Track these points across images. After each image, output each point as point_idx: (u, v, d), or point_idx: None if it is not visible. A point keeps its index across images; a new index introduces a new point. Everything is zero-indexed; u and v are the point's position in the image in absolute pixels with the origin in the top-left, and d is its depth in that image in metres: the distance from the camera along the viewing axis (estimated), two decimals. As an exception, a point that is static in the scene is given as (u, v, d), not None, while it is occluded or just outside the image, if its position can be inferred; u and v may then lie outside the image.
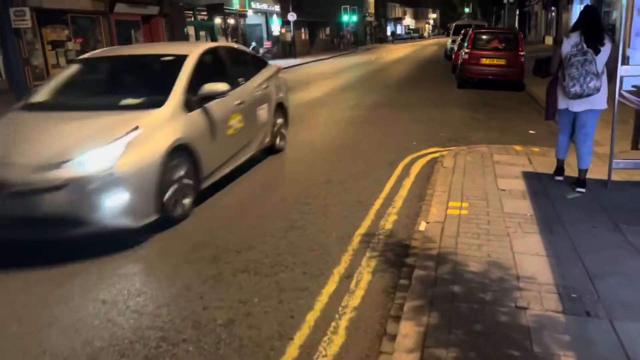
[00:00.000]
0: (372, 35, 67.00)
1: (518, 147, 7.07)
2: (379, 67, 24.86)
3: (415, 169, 6.47)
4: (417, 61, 28.13)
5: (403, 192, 5.58)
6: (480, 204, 4.81)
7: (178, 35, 23.96)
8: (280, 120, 7.42)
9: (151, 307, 3.39)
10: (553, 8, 35.15)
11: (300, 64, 29.48)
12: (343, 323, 3.14)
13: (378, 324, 3.13)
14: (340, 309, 3.30)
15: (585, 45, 4.82)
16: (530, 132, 8.61)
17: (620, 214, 4.49)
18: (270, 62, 22.31)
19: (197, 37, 26.24)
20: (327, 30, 51.46)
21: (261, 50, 35.34)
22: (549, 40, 36.28)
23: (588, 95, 4.83)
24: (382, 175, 6.21)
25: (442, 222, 4.40)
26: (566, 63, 4.89)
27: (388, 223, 4.70)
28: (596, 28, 4.94)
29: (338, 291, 3.51)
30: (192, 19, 26.08)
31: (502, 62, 13.89)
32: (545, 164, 6.14)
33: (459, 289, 3.28)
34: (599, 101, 5.00)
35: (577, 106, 5.03)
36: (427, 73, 20.61)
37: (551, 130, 8.63)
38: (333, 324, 3.14)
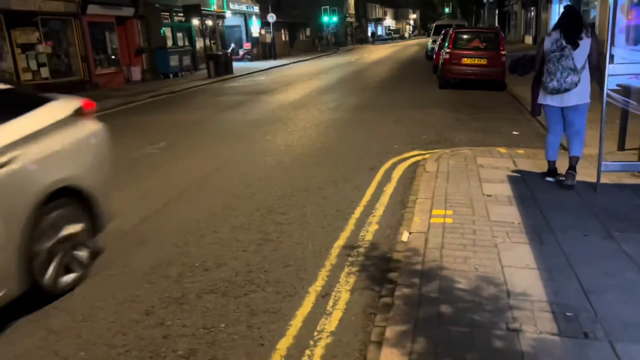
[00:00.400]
0: (352, 36, 66.86)
1: (502, 149, 6.85)
2: (360, 68, 24.64)
3: (397, 174, 6.19)
4: (398, 62, 27.98)
5: (384, 199, 5.29)
6: (465, 212, 4.55)
7: (154, 36, 23.47)
8: (64, 232, 3.56)
9: (107, 336, 3.05)
10: (532, 8, 35.36)
11: (280, 66, 29.14)
12: (318, 351, 2.84)
13: (357, 351, 2.84)
14: (315, 333, 2.99)
15: (564, 42, 4.86)
16: (514, 133, 8.42)
17: (612, 220, 4.26)
18: (249, 63, 21.78)
19: (174, 39, 25.74)
20: (308, 31, 51.18)
21: (240, 52, 34.98)
22: (528, 40, 36.48)
23: (566, 90, 4.87)
24: (363, 181, 5.93)
25: (426, 232, 4.12)
26: (545, 59, 4.97)
27: (369, 234, 4.41)
28: (575, 24, 4.94)
29: (314, 313, 3.20)
30: (169, 20, 25.58)
31: (483, 61, 13.73)
32: (530, 167, 5.92)
33: (446, 309, 3.00)
34: (582, 96, 4.98)
35: (560, 101, 5.03)
36: (409, 74, 20.43)
37: (535, 131, 8.45)
38: (307, 352, 2.84)
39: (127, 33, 22.30)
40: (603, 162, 5.01)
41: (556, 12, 28.40)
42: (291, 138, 8.55)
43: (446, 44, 14.68)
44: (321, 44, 45.92)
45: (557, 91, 4.87)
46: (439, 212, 4.55)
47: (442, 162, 6.24)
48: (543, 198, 4.85)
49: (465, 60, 13.79)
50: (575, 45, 4.80)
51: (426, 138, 8.16)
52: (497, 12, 46.67)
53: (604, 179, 5.12)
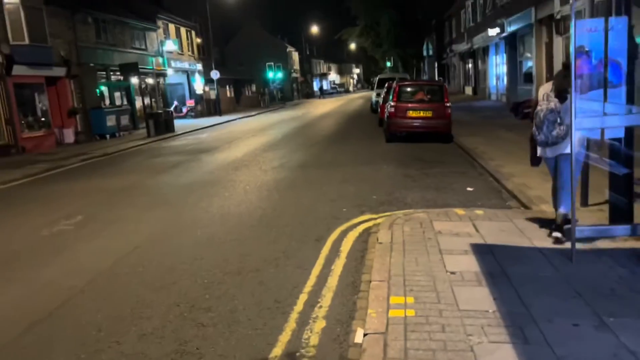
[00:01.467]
0: (299, 91, 67.69)
1: (460, 211, 6.22)
2: (306, 123, 24.27)
3: (347, 246, 5.41)
4: (344, 116, 27.90)
5: (333, 281, 4.47)
6: (428, 298, 3.77)
7: (89, 96, 22.36)
8: None
9: None
10: (470, 60, 36.65)
11: (224, 122, 28.51)
12: None
13: None
14: None
15: (552, 95, 4.71)
16: (469, 189, 7.87)
17: (600, 300, 3.59)
18: (193, 121, 21.29)
19: (112, 98, 24.70)
20: (254, 87, 51.26)
21: (184, 109, 34.19)
22: (468, 90, 37.61)
23: (553, 143, 4.74)
24: (308, 256, 5.10)
25: (384, 333, 3.29)
26: (535, 110, 4.86)
27: (314, 335, 3.54)
28: (568, 79, 4.54)
29: None
30: (106, 79, 24.60)
31: (429, 114, 13.46)
32: (494, 232, 5.27)
33: None
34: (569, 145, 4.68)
35: (550, 152, 4.93)
36: (355, 128, 20.14)
37: (490, 186, 7.94)
38: None
39: (59, 93, 21.15)
40: (577, 227, 4.42)
41: (493, 63, 29.40)
42: (228, 204, 7.66)
43: (391, 97, 14.41)
44: (263, 100, 45.62)
45: (545, 144, 4.77)
46: (398, 301, 3.75)
47: (396, 230, 5.51)
48: (515, 273, 4.16)
49: (411, 113, 13.49)
50: (563, 100, 4.62)
51: (377, 199, 7.48)
52: (436, 64, 48.33)
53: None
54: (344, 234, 5.84)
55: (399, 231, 5.46)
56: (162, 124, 22.96)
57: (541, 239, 4.98)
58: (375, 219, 6.38)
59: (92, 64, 23.04)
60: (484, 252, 4.69)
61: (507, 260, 4.46)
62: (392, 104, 13.77)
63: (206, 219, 6.91)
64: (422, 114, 13.51)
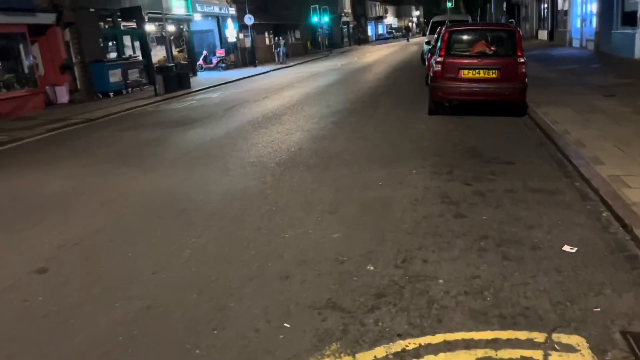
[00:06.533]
0: (350, 36, 62.22)
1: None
2: (340, 78, 20.08)
3: None
4: (389, 67, 23.39)
5: None
6: None
7: (90, 47, 19.07)
8: None
9: None
10: (547, -3, 30.62)
11: (252, 76, 24.77)
12: None
13: None
14: None
15: None
16: (567, 249, 3.88)
17: None
18: (220, 73, 16.85)
19: (121, 50, 21.40)
20: (298, 34, 46.71)
21: (214, 60, 30.60)
22: (542, 35, 31.75)
23: None
24: None
25: None
26: None
27: None
28: None
29: None
30: (114, 26, 21.20)
31: (493, 74, 9.09)
32: None
33: None
34: None
35: None
36: (395, 86, 15.84)
37: (608, 239, 3.86)
38: None
39: (50, 45, 18.00)
40: None
41: (578, 1, 23.67)
42: (79, 303, 4.05)
43: (438, 48, 10.10)
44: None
45: None
46: None
47: None
48: None
49: (466, 73, 9.19)
50: None
51: (373, 272, 3.65)
52: (504, 4, 41.84)
53: None
54: None
55: None
56: (173, 80, 19.59)
57: None
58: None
59: (91, 9, 19.60)
60: None
61: None
62: (439, 59, 9.48)
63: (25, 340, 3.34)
64: (482, 74, 9.16)
